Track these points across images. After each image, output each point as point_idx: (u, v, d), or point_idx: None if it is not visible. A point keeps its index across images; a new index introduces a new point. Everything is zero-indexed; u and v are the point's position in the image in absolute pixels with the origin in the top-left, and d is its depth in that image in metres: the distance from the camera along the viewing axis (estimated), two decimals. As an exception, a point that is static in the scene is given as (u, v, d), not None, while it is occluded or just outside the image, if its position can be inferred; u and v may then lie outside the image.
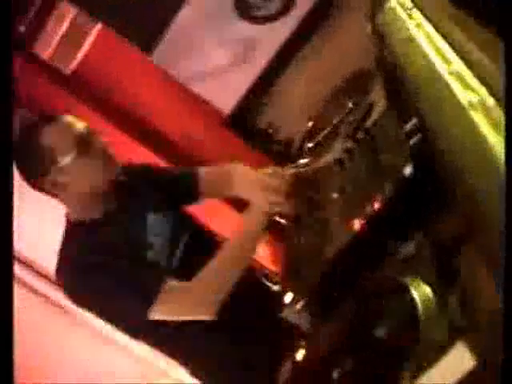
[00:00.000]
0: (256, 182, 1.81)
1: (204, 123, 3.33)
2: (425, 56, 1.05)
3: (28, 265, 3.24)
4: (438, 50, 1.02)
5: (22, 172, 1.79)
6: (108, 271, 1.71)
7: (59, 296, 3.11)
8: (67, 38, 3.26)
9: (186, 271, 1.76)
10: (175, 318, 1.75)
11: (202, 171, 2.06)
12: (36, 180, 1.78)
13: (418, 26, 1.18)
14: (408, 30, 1.22)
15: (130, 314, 1.77)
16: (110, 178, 1.80)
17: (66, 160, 1.73)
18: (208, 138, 3.24)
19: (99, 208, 1.83)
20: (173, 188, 2.02)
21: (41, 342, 3.21)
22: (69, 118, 1.81)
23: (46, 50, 3.25)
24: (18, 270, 3.19)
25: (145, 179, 1.99)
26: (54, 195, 1.82)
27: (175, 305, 1.73)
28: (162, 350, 1.99)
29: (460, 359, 0.86)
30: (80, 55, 3.26)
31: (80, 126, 1.79)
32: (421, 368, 1.05)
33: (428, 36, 1.11)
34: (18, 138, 1.81)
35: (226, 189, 1.99)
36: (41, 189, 1.80)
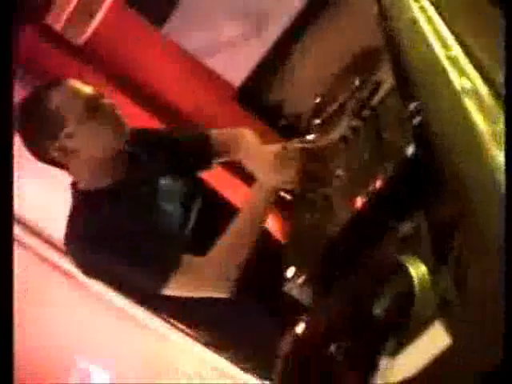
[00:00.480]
0: (259, 155, 1.83)
1: (215, 96, 3.34)
2: (425, 39, 1.07)
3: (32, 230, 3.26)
4: (438, 34, 1.04)
5: (29, 141, 1.76)
6: (120, 242, 1.69)
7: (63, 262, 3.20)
8: (79, 10, 3.26)
9: (200, 238, 1.78)
10: (188, 295, 1.76)
11: (214, 132, 2.07)
12: (44, 148, 1.74)
13: (422, 8, 1.19)
14: (412, 12, 1.23)
15: (143, 288, 1.77)
16: (120, 140, 1.78)
17: (75, 123, 1.71)
18: (219, 111, 3.24)
19: (109, 175, 1.80)
20: (185, 149, 2.01)
21: (42, 305, 3.24)
22: (76, 82, 1.78)
23: (58, 21, 3.26)
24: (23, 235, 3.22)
25: (156, 142, 1.98)
26: (63, 165, 1.79)
27: (189, 281, 1.73)
28: (169, 316, 2.01)
29: (437, 337, 0.88)
30: (92, 27, 3.27)
31: (87, 89, 1.77)
32: (401, 344, 1.08)
33: (430, 19, 1.12)
34: (24, 105, 1.77)
35: (234, 151, 2.00)
36: (49, 159, 1.77)
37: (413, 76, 1.13)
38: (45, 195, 3.16)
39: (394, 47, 1.59)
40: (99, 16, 3.25)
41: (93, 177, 1.80)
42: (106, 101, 1.77)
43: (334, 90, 2.19)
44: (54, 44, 3.23)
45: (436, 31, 1.05)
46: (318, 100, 2.28)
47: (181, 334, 3.38)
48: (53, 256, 3.25)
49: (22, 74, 3.22)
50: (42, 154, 1.78)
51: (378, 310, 1.23)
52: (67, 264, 3.14)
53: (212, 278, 1.74)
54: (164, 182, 1.88)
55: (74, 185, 1.83)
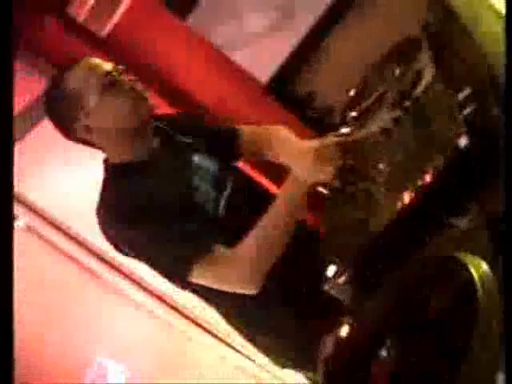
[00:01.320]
0: (297, 150, 1.76)
1: (242, 91, 3.27)
2: (497, 12, 0.98)
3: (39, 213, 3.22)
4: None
5: (56, 124, 1.80)
6: (150, 216, 1.65)
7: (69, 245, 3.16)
8: (103, 1, 3.20)
9: (231, 223, 1.73)
10: (214, 286, 1.70)
11: (244, 128, 2.03)
12: (70, 129, 1.77)
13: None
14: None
15: (167, 268, 1.72)
16: (142, 112, 1.76)
17: (93, 101, 1.71)
18: (246, 106, 3.17)
19: (138, 148, 1.78)
20: (214, 139, 1.97)
21: (49, 291, 3.21)
22: (91, 60, 1.78)
23: (81, 12, 3.20)
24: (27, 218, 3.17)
25: (187, 125, 1.97)
26: (91, 143, 1.80)
27: (216, 273, 1.67)
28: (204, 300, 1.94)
29: None
30: (115, 18, 3.21)
31: (104, 65, 1.76)
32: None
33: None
34: (46, 92, 1.82)
35: (266, 149, 1.96)
36: (76, 138, 1.79)
37: (483, 56, 1.04)
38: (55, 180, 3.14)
39: (438, 38, 1.52)
40: (123, 7, 3.19)
41: (121, 151, 1.79)
42: (124, 76, 1.76)
43: (371, 82, 2.11)
44: (78, 35, 3.17)
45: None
46: (352, 92, 2.20)
47: (201, 331, 3.34)
48: (70, 248, 3.21)
49: (43, 66, 3.18)
50: (70, 134, 1.80)
51: (437, 309, 1.15)
52: (86, 258, 3.14)
53: (240, 273, 1.68)
54: (197, 158, 1.86)
55: (105, 160, 1.83)
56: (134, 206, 1.66)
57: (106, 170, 1.81)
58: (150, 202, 1.67)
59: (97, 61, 1.78)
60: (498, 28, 0.95)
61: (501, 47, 0.94)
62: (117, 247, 1.78)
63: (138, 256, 1.76)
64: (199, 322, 3.34)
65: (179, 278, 1.69)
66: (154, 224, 1.65)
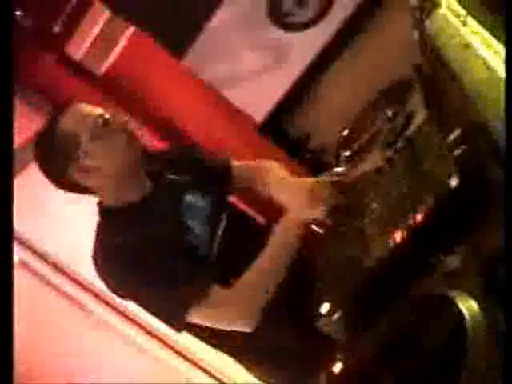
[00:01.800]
0: (292, 189, 1.80)
1: (236, 130, 3.31)
2: (484, 63, 1.02)
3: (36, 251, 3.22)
4: (498, 55, 0.99)
5: (50, 169, 1.78)
6: (144, 260, 1.67)
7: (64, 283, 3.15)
8: (100, 40, 3.26)
9: (226, 259, 1.75)
10: (212, 325, 1.72)
11: (237, 163, 2.05)
12: (65, 173, 1.74)
13: (475, 33, 1.14)
14: (463, 36, 1.19)
15: (162, 311, 1.73)
16: (135, 155, 1.77)
17: (88, 142, 1.71)
18: (241, 146, 3.21)
19: (132, 191, 1.80)
20: (207, 173, 1.98)
21: (44, 328, 3.20)
22: (84, 104, 1.80)
23: (78, 50, 3.25)
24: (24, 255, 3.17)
25: (179, 160, 1.98)
26: (86, 188, 1.78)
27: (213, 314, 1.69)
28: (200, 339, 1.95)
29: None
30: (112, 57, 3.26)
31: (97, 109, 1.78)
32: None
33: (486, 42, 1.07)
34: (39, 136, 1.81)
35: (259, 184, 1.98)
36: (71, 184, 1.77)
37: (471, 102, 1.07)
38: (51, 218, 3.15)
39: (432, 75, 1.56)
40: (120, 46, 3.24)
41: (116, 193, 1.80)
42: (117, 118, 1.78)
43: (363, 122, 2.14)
44: (75, 74, 3.21)
45: (495, 52, 1.00)
46: (345, 132, 2.24)
47: (193, 367, 3.32)
48: (59, 281, 3.21)
49: (42, 103, 3.22)
50: (64, 179, 1.77)
51: (424, 348, 1.17)
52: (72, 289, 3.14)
53: (237, 313, 1.71)
54: (189, 197, 1.87)
55: (99, 203, 1.84)
56: (129, 252, 1.68)
57: (100, 213, 1.82)
58: (145, 247, 1.68)
59: (88, 105, 1.80)
60: (485, 75, 0.99)
61: (487, 94, 0.98)
62: (116, 292, 1.79)
63: (134, 300, 1.78)
64: (194, 359, 3.34)
65: (176, 321, 1.70)
66: (149, 269, 1.67)
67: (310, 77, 3.21)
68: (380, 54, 3.01)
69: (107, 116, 1.75)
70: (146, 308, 1.76)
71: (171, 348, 3.31)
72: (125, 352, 3.32)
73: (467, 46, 1.13)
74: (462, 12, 1.31)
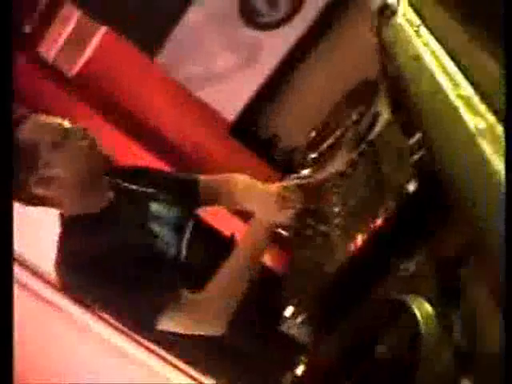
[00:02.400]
0: (260, 195, 1.82)
1: (208, 130, 3.32)
2: (431, 76, 1.04)
3: (30, 268, 3.23)
4: (445, 71, 1.01)
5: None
6: (112, 271, 1.67)
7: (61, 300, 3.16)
8: (72, 40, 3.25)
9: (193, 267, 1.77)
10: (182, 331, 1.73)
11: (202, 178, 2.06)
12: (26, 185, 1.70)
13: (426, 44, 1.17)
14: (415, 47, 1.21)
15: (133, 320, 1.75)
16: (96, 163, 1.76)
17: (48, 152, 1.69)
18: (212, 145, 3.22)
19: (94, 201, 1.79)
20: (172, 189, 1.99)
21: (39, 344, 3.20)
22: (41, 115, 1.78)
23: (50, 51, 3.24)
24: (19, 273, 3.18)
25: (144, 175, 1.99)
26: (47, 200, 1.75)
27: (184, 319, 1.70)
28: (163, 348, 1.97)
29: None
30: (84, 58, 3.26)
31: (56, 118, 1.77)
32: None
33: (435, 56, 1.10)
34: None
35: (226, 198, 1.99)
36: (33, 196, 1.74)
37: (418, 115, 1.10)
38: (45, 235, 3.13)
39: (394, 83, 1.58)
40: (91, 47, 3.24)
41: (77, 202, 1.78)
42: (77, 127, 1.76)
43: (329, 124, 2.17)
44: (47, 74, 3.20)
45: (443, 67, 1.03)
46: (313, 134, 2.27)
47: (185, 378, 3.34)
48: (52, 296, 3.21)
49: (15, 104, 3.21)
50: (25, 192, 1.73)
51: (382, 350, 1.20)
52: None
53: (208, 317, 1.73)
54: (154, 206, 1.88)
55: (61, 214, 1.82)
56: (93, 260, 1.67)
57: (62, 223, 1.80)
58: (110, 255, 1.67)
59: (46, 115, 1.78)
60: (431, 89, 1.01)
61: (432, 107, 1.00)
62: (77, 299, 1.79)
63: (102, 309, 1.79)
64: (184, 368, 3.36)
65: (147, 329, 1.72)
66: (116, 277, 1.66)
67: (280, 77, 3.23)
68: (351, 54, 3.04)
69: (65, 127, 1.74)
70: (115, 317, 1.78)
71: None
72: (120, 365, 3.34)
73: (418, 58, 1.15)
74: (417, 22, 1.34)
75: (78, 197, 1.77)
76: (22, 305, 2.99)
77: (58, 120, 1.77)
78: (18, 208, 1.66)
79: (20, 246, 2.93)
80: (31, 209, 1.80)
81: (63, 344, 3.25)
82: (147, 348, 3.27)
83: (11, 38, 1.50)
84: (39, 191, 1.72)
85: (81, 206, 1.78)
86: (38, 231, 3.06)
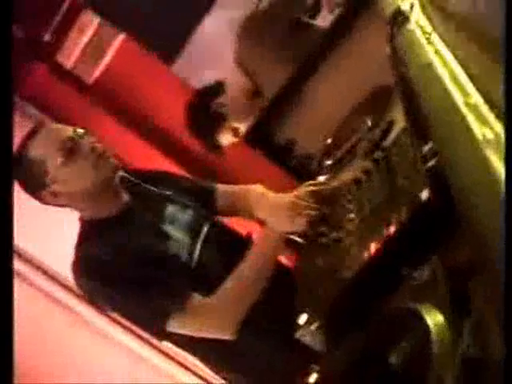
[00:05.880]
0: (271, 207, 1.83)
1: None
2: (441, 84, 1.04)
3: (32, 262, 3.25)
4: (455, 80, 1.01)
5: (26, 191, 1.83)
6: (127, 273, 1.70)
7: (62, 294, 3.18)
8: (90, 48, 3.28)
9: (207, 270, 1.78)
10: (192, 334, 1.74)
11: (221, 188, 2.07)
12: (39, 196, 1.81)
13: (436, 52, 1.17)
14: (426, 55, 1.21)
15: (143, 321, 1.78)
16: (105, 173, 1.79)
17: (56, 168, 1.75)
18: (228, 151, 3.23)
19: (109, 206, 1.83)
20: (189, 195, 2.01)
21: (42, 339, 3.22)
22: (52, 126, 1.85)
23: (68, 58, 3.28)
24: (20, 266, 3.20)
25: (163, 179, 2.02)
26: (61, 205, 1.84)
27: (194, 322, 1.72)
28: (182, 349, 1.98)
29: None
30: (102, 65, 3.29)
31: (64, 130, 1.80)
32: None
33: (446, 64, 1.10)
34: (13, 158, 1.80)
35: (243, 210, 2.00)
36: (46, 202, 1.83)
37: (428, 122, 1.10)
38: (47, 229, 3.16)
39: (407, 90, 1.57)
40: (109, 54, 3.27)
41: (89, 209, 1.84)
42: (84, 140, 1.79)
43: (345, 131, 2.16)
44: (65, 82, 3.24)
45: (453, 76, 1.03)
46: (329, 140, 2.26)
47: (189, 373, 3.35)
48: (54, 291, 3.24)
49: (32, 111, 3.24)
50: (40, 200, 1.84)
51: (394, 360, 1.19)
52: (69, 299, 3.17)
53: (218, 321, 1.74)
54: (170, 209, 1.90)
55: (80, 217, 1.88)
56: (109, 262, 1.71)
57: (82, 224, 1.86)
58: (125, 257, 1.71)
59: (57, 126, 1.83)
60: (442, 96, 1.01)
61: (442, 116, 1.00)
62: (95, 302, 1.85)
63: (114, 310, 1.81)
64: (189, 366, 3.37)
65: (157, 329, 1.73)
66: (129, 279, 1.69)
67: (296, 84, 3.23)
68: (366, 62, 3.03)
69: (74, 138, 1.77)
70: (127, 317, 1.80)
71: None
72: (124, 362, 3.35)
73: (429, 65, 1.15)
74: (429, 28, 1.33)
75: (88, 205, 1.83)
76: (28, 302, 3.03)
77: (69, 131, 1.79)
78: (20, 204, 1.70)
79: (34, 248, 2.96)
80: (37, 205, 1.85)
81: (69, 342, 3.26)
82: (154, 346, 3.28)
83: (11, 38, 1.52)
84: (50, 201, 1.82)
85: (94, 212, 1.83)
86: (40, 226, 3.10)
